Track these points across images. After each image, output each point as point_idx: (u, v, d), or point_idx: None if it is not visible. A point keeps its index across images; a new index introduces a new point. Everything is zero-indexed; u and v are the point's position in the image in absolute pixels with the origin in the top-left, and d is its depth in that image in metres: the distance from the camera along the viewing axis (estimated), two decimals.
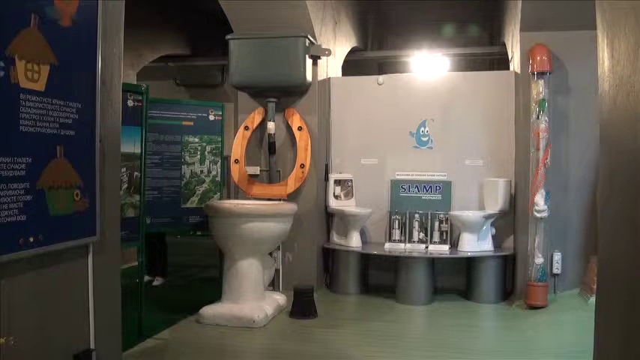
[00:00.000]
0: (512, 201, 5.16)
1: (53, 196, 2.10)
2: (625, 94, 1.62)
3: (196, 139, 5.23)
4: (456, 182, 5.40)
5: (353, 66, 7.28)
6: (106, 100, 2.44)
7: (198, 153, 5.24)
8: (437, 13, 8.14)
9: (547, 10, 4.63)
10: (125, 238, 3.53)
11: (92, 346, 2.36)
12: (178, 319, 4.41)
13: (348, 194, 5.60)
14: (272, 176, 5.33)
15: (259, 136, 5.45)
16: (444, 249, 5.19)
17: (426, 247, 5.22)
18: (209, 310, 4.33)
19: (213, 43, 7.86)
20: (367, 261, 5.49)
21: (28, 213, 1.97)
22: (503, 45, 6.27)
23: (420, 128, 5.50)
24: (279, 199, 5.08)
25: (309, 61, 5.11)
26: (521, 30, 4.94)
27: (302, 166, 5.17)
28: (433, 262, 5.17)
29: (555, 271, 4.93)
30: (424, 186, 5.45)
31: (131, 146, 3.85)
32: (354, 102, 5.69)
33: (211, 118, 5.32)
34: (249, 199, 5.14)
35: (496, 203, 5.08)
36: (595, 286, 2.39)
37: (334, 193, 5.52)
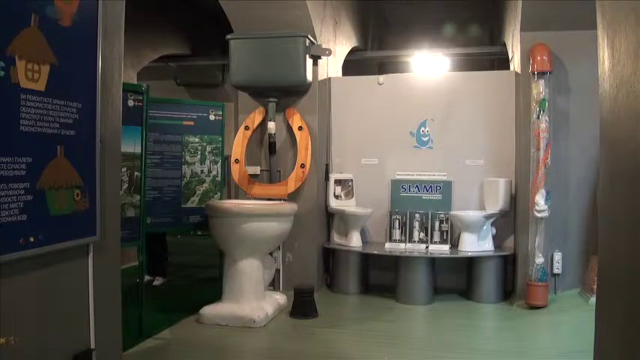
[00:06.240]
0: (513, 201, 5.16)
1: (53, 195, 2.10)
2: (625, 94, 1.62)
3: (197, 139, 5.23)
4: (457, 182, 5.40)
5: (353, 66, 7.27)
6: (106, 100, 2.44)
7: (199, 153, 5.24)
8: (437, 13, 8.14)
9: (547, 10, 4.63)
10: (125, 238, 3.53)
11: (92, 346, 2.36)
12: (178, 319, 4.41)
13: (349, 194, 5.60)
14: (272, 176, 5.33)
15: (259, 136, 5.45)
16: (444, 249, 5.18)
17: (427, 247, 5.22)
18: (209, 310, 4.33)
19: (213, 43, 7.87)
20: (367, 261, 5.49)
21: (28, 213, 1.97)
22: (504, 45, 6.27)
23: (420, 128, 5.50)
24: (280, 199, 5.08)
25: (309, 61, 5.11)
26: (522, 30, 4.94)
27: (302, 165, 5.17)
28: (433, 262, 5.17)
29: (556, 270, 4.93)
30: (424, 186, 5.45)
31: (131, 146, 3.85)
32: (355, 102, 5.68)
33: (212, 117, 5.32)
34: (249, 199, 5.13)
35: (496, 203, 5.08)
36: (595, 286, 2.39)
37: (334, 193, 5.52)
